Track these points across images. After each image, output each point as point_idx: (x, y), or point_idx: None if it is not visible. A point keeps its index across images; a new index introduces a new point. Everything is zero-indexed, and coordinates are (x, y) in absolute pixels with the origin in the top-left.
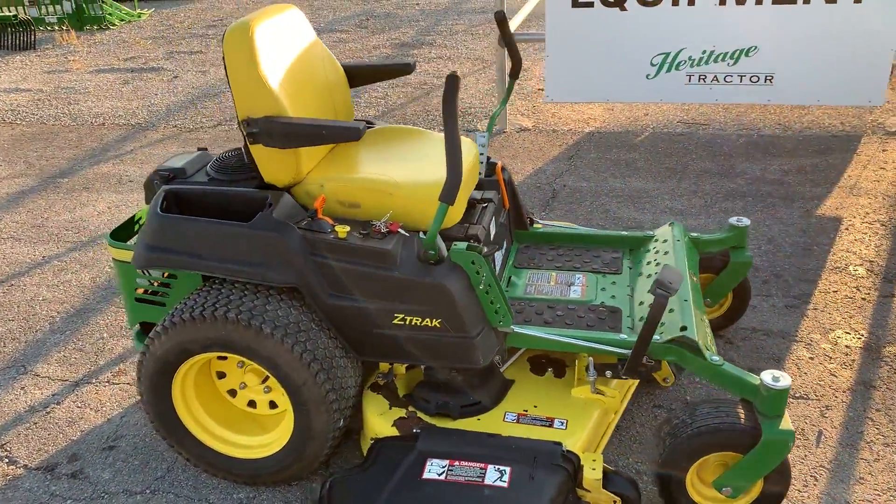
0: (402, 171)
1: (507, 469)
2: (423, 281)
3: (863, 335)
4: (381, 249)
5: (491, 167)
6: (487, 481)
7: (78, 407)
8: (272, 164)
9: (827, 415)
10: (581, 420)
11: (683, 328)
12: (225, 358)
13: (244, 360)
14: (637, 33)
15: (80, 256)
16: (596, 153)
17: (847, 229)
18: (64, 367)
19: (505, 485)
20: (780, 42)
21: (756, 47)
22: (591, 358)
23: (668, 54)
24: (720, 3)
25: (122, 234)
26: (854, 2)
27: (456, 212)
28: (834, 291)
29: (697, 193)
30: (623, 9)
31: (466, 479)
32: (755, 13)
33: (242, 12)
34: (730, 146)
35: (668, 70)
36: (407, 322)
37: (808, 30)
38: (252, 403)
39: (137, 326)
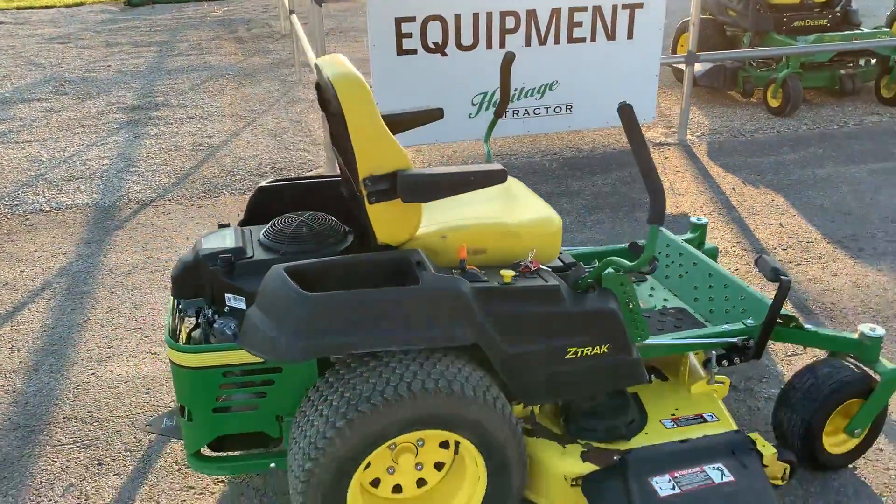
0: (514, 212)
1: (721, 465)
2: (593, 309)
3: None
4: (550, 287)
5: None
6: (716, 480)
7: None
8: (395, 221)
9: None
10: (719, 409)
11: None
12: None
13: (422, 435)
14: (458, 76)
15: None
16: None
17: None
18: None
19: (732, 479)
20: (575, 75)
21: (557, 81)
22: (713, 353)
23: (486, 94)
24: (526, 45)
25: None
26: (627, 38)
27: (557, 244)
28: (735, 270)
29: (562, 213)
30: (444, 54)
31: (698, 484)
32: (554, 52)
33: None
34: (549, 170)
35: (487, 108)
36: (579, 354)
37: (595, 63)
38: (396, 489)
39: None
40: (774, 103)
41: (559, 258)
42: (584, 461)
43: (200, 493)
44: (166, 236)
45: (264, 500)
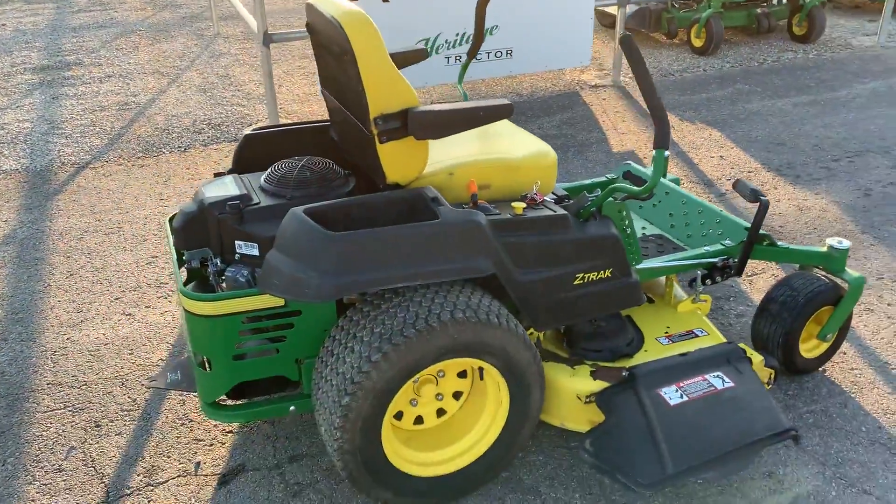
0: (513, 148)
1: (720, 373)
2: (597, 236)
3: None
4: (559, 215)
5: None
6: (718, 387)
7: None
8: (404, 159)
9: None
10: (706, 325)
11: (747, 229)
12: None
13: (444, 366)
14: (399, 22)
15: None
16: None
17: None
18: (56, 497)
19: (732, 384)
20: (515, 20)
21: (498, 26)
22: (699, 273)
23: (428, 40)
24: None
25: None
26: None
27: (554, 177)
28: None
29: None
30: (385, 0)
31: (703, 391)
32: None
33: None
34: None
35: (430, 55)
36: (586, 279)
37: (533, 7)
38: (417, 420)
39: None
40: (698, 43)
41: (553, 191)
42: (594, 379)
43: (210, 445)
44: (113, 198)
45: (276, 446)
